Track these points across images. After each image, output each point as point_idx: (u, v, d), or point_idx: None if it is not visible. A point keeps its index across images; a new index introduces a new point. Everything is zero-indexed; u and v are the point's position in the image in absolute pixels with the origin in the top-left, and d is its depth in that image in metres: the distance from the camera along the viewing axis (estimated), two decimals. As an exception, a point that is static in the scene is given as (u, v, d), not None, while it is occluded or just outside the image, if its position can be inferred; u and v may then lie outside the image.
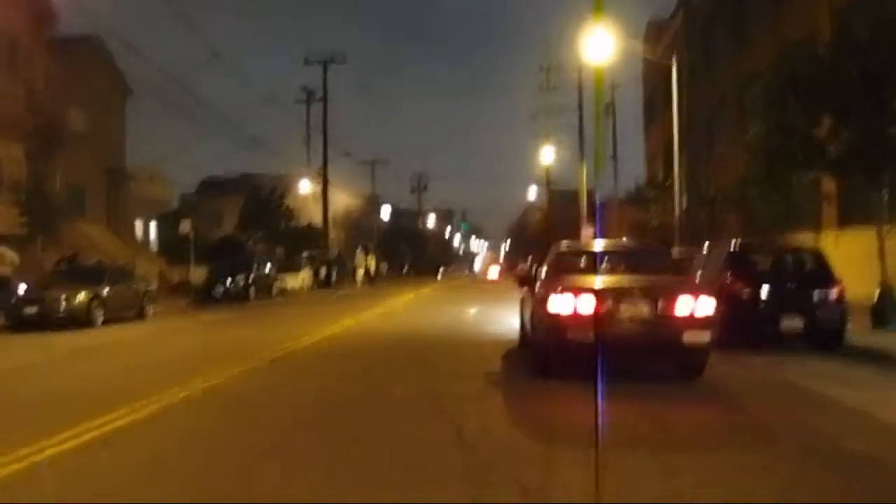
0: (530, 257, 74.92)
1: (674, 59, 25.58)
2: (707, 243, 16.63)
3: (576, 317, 9.41)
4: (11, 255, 23.93)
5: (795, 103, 16.44)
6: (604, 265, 11.01)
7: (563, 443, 6.63)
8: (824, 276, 13.55)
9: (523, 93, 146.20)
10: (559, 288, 9.69)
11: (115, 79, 44.06)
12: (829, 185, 20.39)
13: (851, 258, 19.16)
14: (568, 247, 11.92)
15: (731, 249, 14.48)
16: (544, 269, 11.51)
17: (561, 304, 9.49)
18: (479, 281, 63.02)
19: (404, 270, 79.79)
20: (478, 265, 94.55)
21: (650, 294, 9.59)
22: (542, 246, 75.79)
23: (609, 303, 9.46)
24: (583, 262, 11.35)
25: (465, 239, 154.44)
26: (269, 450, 6.65)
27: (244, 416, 8.23)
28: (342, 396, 9.35)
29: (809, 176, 19.03)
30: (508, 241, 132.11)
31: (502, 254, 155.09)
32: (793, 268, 14.41)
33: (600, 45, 22.95)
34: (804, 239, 22.92)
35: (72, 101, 38.77)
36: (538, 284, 11.05)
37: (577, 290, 9.59)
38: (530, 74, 66.78)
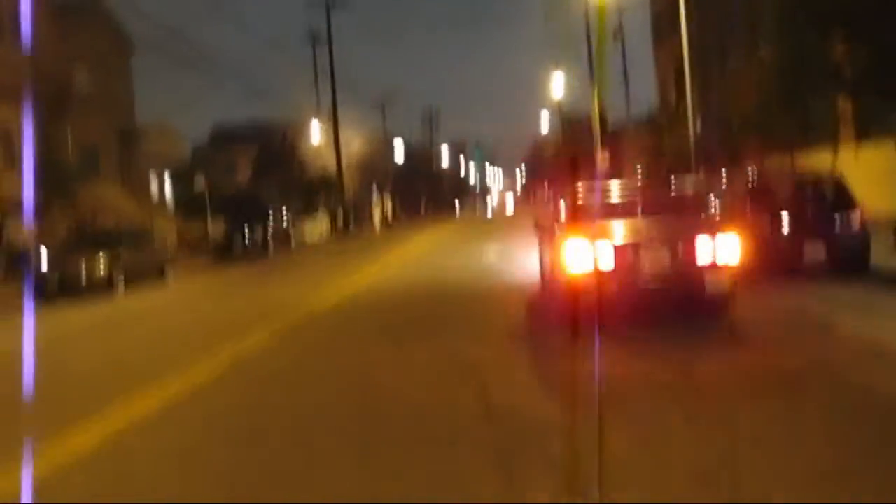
0: (546, 183, 74.94)
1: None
2: (725, 170, 16.44)
3: (594, 268, 9.32)
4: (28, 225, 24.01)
5: (807, 20, 16.02)
6: (622, 210, 10.83)
7: (589, 405, 6.59)
8: (845, 200, 13.34)
9: (532, 20, 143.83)
10: (576, 238, 9.58)
11: (117, 37, 43.54)
12: (845, 105, 19.99)
13: (871, 173, 18.95)
14: (584, 191, 11.73)
15: (750, 179, 14.30)
16: (561, 214, 11.38)
17: (578, 255, 9.40)
18: (496, 215, 62.79)
19: (421, 210, 79.69)
20: (494, 201, 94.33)
21: (671, 240, 9.48)
22: (557, 173, 75.48)
23: (629, 252, 9.37)
24: (600, 207, 11.17)
25: (480, 169, 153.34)
26: (295, 432, 6.62)
27: (269, 394, 8.22)
28: (365, 365, 9.28)
29: (826, 98, 18.66)
30: (524, 165, 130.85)
31: (518, 180, 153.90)
32: (813, 194, 14.16)
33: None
34: (822, 157, 22.65)
35: (77, 63, 38.47)
36: (555, 232, 10.95)
37: (595, 241, 9.47)
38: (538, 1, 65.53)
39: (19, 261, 22.73)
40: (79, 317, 16.66)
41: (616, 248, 9.41)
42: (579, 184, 11.37)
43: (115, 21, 42.64)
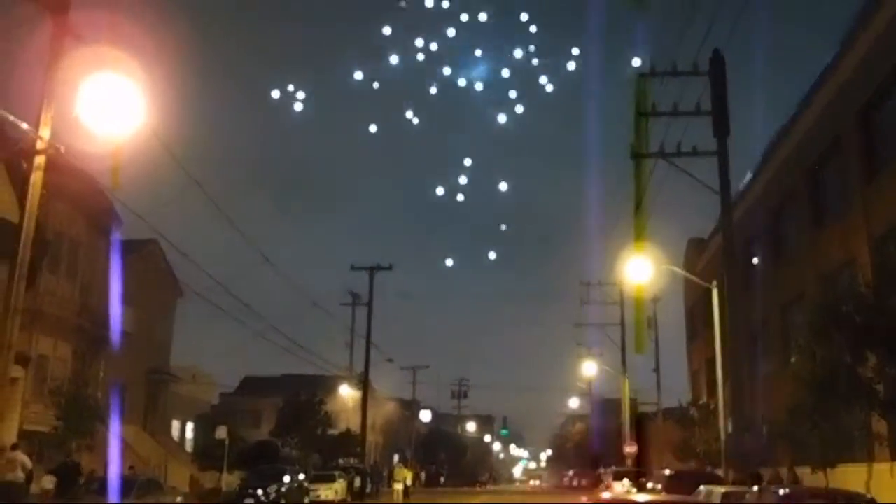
0: (571, 472, 73.21)
1: (714, 286, 25.60)
2: (756, 487, 15.89)
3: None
4: (23, 459, 23.58)
5: (840, 340, 16.17)
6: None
7: None
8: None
9: (566, 303, 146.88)
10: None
11: (167, 281, 45.05)
12: (880, 424, 19.64)
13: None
14: (611, 499, 11.33)
15: (782, 496, 13.78)
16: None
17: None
18: (518, 495, 60.90)
19: (441, 481, 77.62)
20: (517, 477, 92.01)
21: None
22: (583, 458, 74.03)
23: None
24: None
25: (506, 445, 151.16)
26: None
27: None
28: None
29: (859, 415, 18.43)
30: (550, 450, 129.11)
31: (543, 461, 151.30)
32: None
33: (640, 270, 23.24)
34: (857, 473, 21.93)
35: (124, 301, 39.60)
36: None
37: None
38: (572, 287, 67.16)
39: (7, 495, 22.04)
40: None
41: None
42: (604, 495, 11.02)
43: (165, 264, 44.30)
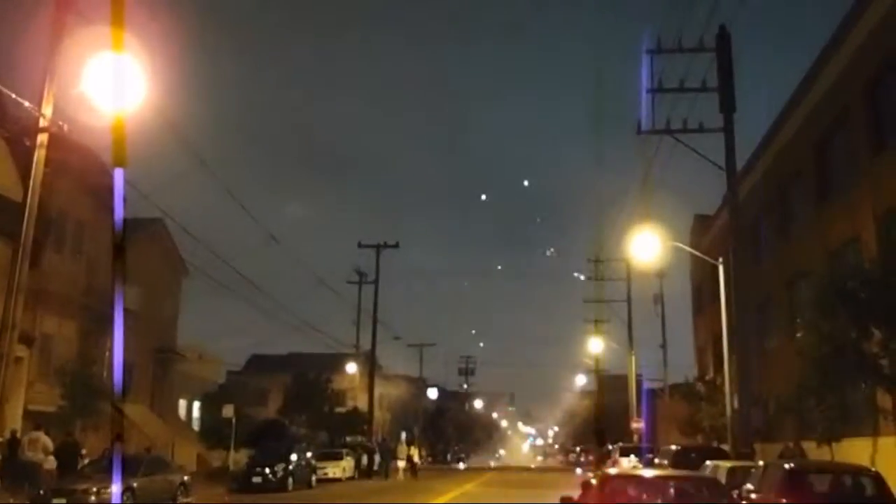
0: (579, 448, 73.59)
1: (720, 262, 25.52)
2: (762, 463, 15.90)
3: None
4: (45, 440, 23.74)
5: (845, 315, 16.13)
6: (652, 497, 10.39)
7: None
8: (886, 503, 12.69)
9: (573, 280, 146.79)
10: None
11: (173, 260, 44.82)
12: (884, 398, 19.62)
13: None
14: (617, 474, 11.31)
15: (787, 470, 13.75)
16: (592, 495, 10.93)
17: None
18: (526, 471, 61.20)
19: (448, 458, 78.04)
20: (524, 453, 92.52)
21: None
22: (590, 435, 74.30)
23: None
24: (631, 491, 10.69)
25: (513, 422, 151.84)
26: None
27: None
28: None
29: (864, 389, 18.44)
30: (556, 428, 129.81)
31: (550, 436, 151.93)
32: (852, 492, 13.54)
33: (646, 247, 23.19)
34: (861, 446, 21.95)
35: (129, 280, 39.49)
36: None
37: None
38: (581, 262, 67.12)
39: (27, 475, 22.24)
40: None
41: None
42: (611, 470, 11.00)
43: (171, 243, 44.12)
